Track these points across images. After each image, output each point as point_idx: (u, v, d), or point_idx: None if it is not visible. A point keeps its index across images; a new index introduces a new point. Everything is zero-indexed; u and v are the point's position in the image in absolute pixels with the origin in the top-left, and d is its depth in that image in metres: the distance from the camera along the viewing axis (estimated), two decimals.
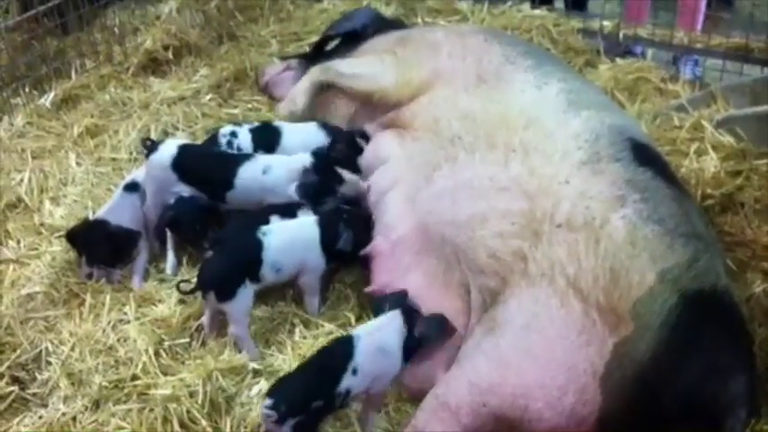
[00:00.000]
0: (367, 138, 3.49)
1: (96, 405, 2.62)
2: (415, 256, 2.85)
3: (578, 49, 4.58)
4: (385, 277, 2.87)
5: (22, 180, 3.67)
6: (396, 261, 2.88)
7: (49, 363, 2.79)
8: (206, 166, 3.27)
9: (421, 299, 2.70)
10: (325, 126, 3.63)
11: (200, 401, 2.54)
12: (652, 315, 2.23)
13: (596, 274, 2.33)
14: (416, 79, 3.39)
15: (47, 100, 4.26)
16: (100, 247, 3.12)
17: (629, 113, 3.67)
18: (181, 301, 2.97)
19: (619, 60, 4.48)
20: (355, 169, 3.34)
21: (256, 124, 3.64)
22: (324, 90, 3.82)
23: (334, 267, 3.10)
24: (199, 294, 2.87)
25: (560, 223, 2.50)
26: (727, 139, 3.33)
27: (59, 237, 3.30)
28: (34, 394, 2.71)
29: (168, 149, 3.24)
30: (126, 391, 2.64)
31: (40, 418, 2.61)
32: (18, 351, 2.82)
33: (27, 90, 4.35)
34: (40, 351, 2.82)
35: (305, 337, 2.88)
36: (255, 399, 2.61)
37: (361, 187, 3.19)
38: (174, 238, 3.22)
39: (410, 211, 2.95)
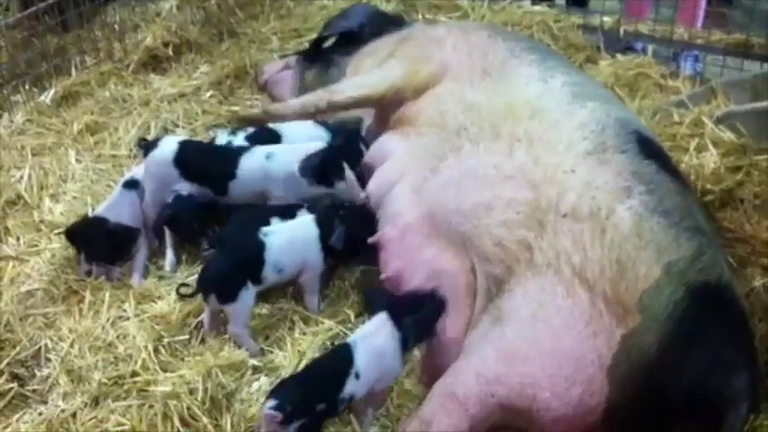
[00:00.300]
0: (365, 142, 3.45)
1: (96, 402, 2.62)
2: (425, 238, 2.83)
3: (579, 45, 4.59)
4: (398, 262, 2.85)
5: (21, 177, 3.67)
6: (407, 245, 2.86)
7: (48, 359, 2.79)
8: (208, 160, 3.27)
9: (439, 270, 2.70)
10: (323, 123, 3.62)
11: (199, 398, 2.54)
12: (659, 307, 2.23)
13: (603, 265, 2.33)
14: (425, 71, 3.36)
15: (47, 97, 4.27)
16: (99, 244, 3.12)
17: (630, 109, 3.66)
18: (180, 298, 2.96)
19: (619, 56, 4.48)
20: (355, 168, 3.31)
21: (251, 130, 3.56)
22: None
23: (333, 265, 3.10)
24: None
25: (566, 213, 2.49)
26: (728, 134, 3.33)
27: (59, 234, 3.30)
28: (34, 391, 2.72)
29: (169, 146, 3.24)
30: (125, 387, 2.64)
31: (40, 414, 2.61)
32: (17, 348, 2.82)
33: (27, 87, 4.35)
34: (40, 348, 2.82)
35: (305, 334, 2.88)
36: (255, 395, 2.62)
37: (358, 194, 3.14)
38: (173, 236, 3.22)
39: (417, 202, 2.94)
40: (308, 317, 2.96)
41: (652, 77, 4.21)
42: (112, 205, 3.25)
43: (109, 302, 2.98)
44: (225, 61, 4.53)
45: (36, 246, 3.30)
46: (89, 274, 3.13)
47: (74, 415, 2.58)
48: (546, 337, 2.30)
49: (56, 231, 3.34)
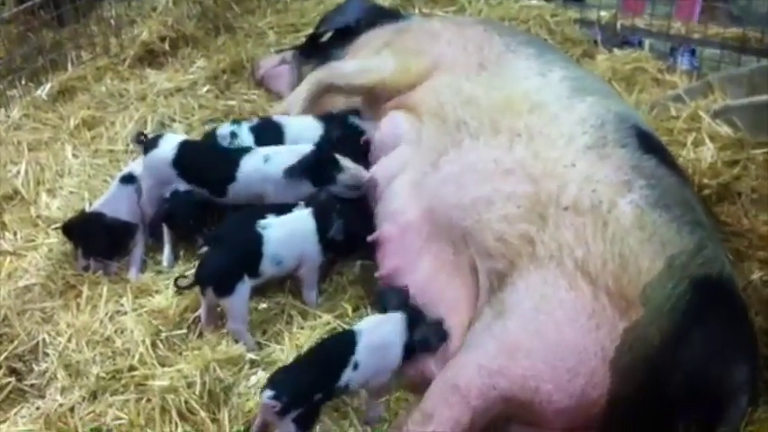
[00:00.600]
0: (359, 116, 3.49)
1: (94, 396, 2.62)
2: (424, 242, 2.84)
3: (575, 39, 4.59)
4: (395, 261, 2.86)
5: (18, 172, 3.67)
6: (406, 245, 2.87)
7: (46, 354, 2.79)
8: (207, 162, 3.25)
9: (430, 284, 2.71)
10: (320, 117, 3.60)
11: (197, 392, 2.54)
12: (661, 300, 2.24)
13: (605, 259, 2.34)
14: (415, 67, 3.37)
15: (43, 92, 4.27)
16: (96, 239, 3.12)
17: (629, 103, 3.66)
18: (178, 293, 2.96)
19: (616, 51, 4.49)
20: (357, 150, 3.32)
21: (255, 121, 3.56)
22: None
23: (331, 259, 3.10)
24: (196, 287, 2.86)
25: (567, 206, 2.49)
26: (724, 129, 3.33)
27: (56, 229, 3.30)
28: (31, 385, 2.72)
29: (169, 146, 3.22)
30: (123, 382, 2.64)
31: (38, 409, 2.61)
32: (15, 342, 2.82)
33: (23, 82, 4.35)
34: (38, 342, 2.83)
35: (302, 328, 2.88)
36: (253, 389, 2.61)
37: (362, 176, 3.17)
38: (170, 231, 3.21)
39: (417, 197, 2.94)
40: (306, 311, 2.96)
41: (649, 72, 4.22)
42: (109, 200, 3.25)
43: (106, 297, 2.98)
44: (221, 56, 4.53)
45: (33, 241, 3.30)
46: (86, 268, 3.13)
47: (72, 409, 2.58)
48: (548, 329, 2.31)
49: (53, 226, 3.34)
